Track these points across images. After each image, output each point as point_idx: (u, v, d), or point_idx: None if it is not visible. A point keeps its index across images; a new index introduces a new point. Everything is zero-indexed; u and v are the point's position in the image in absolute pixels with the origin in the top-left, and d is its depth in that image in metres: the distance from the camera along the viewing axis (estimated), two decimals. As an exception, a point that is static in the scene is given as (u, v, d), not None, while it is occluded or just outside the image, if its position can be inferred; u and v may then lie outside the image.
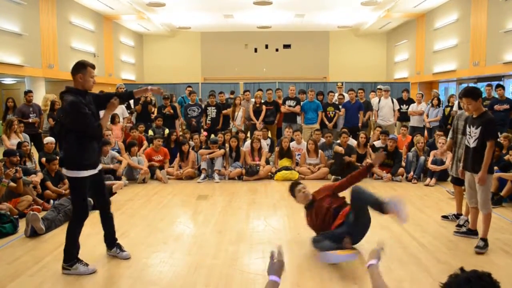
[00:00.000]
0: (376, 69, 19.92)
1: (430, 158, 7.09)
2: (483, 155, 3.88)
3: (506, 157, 6.12)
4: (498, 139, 6.69)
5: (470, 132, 4.04)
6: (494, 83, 9.45)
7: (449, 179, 4.85)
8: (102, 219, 3.75)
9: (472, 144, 4.00)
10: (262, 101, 9.18)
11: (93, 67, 3.44)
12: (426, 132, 9.26)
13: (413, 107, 9.31)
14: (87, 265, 3.44)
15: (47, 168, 5.89)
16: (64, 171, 3.46)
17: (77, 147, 3.33)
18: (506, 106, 7.60)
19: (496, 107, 7.67)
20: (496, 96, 8.09)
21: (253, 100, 9.34)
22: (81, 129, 3.33)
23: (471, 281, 1.49)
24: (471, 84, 12.58)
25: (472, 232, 4.21)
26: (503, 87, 7.86)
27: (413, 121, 9.29)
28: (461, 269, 1.58)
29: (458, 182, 4.69)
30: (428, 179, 6.92)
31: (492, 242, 4.06)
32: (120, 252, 3.75)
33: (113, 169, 6.84)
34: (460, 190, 4.81)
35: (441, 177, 6.89)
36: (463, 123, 4.45)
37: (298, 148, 7.94)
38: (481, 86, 11.17)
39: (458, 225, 4.52)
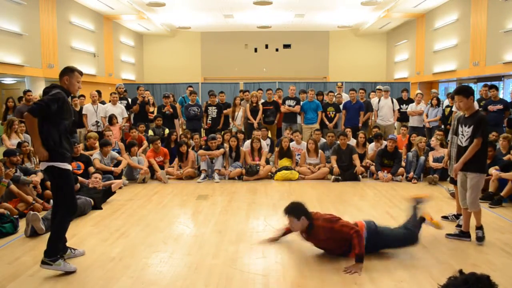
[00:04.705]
0: (376, 69, 19.88)
1: (430, 159, 7.11)
2: (475, 154, 3.91)
3: (506, 157, 6.12)
4: (495, 139, 6.74)
5: (462, 132, 4.07)
6: (493, 83, 9.45)
7: (449, 179, 4.85)
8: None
9: (464, 143, 4.03)
10: (262, 101, 9.17)
11: (80, 73, 3.55)
12: (426, 132, 9.26)
13: (412, 107, 9.31)
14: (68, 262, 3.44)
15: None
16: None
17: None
18: (500, 106, 7.69)
19: (490, 107, 7.76)
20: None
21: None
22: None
23: (469, 283, 1.48)
24: (471, 84, 12.58)
25: (465, 235, 4.17)
26: (496, 88, 7.94)
27: (413, 121, 9.29)
28: (460, 271, 1.58)
29: (456, 182, 4.71)
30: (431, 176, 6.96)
31: (492, 242, 4.08)
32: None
33: (113, 170, 6.80)
34: None
35: (442, 176, 6.90)
36: (456, 123, 4.49)
37: (298, 148, 7.94)
38: (481, 86, 11.14)
39: (458, 225, 4.52)
